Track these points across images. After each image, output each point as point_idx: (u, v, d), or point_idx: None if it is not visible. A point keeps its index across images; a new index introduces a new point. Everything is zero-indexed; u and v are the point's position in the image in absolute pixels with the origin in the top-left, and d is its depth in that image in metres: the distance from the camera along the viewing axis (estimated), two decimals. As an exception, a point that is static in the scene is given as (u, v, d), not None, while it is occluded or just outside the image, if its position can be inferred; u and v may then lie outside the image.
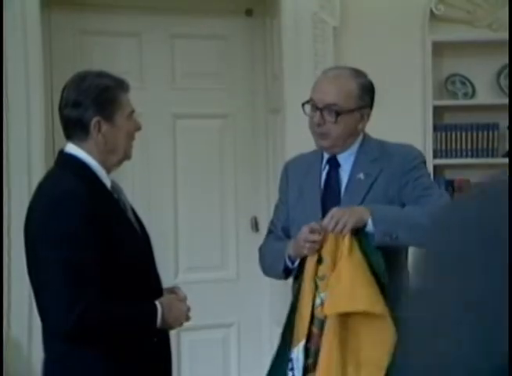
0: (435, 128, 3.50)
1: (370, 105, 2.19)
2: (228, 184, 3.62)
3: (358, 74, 2.20)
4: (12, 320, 2.86)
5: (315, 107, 2.12)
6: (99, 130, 1.84)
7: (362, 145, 2.19)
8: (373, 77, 3.33)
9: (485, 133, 3.52)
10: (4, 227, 2.80)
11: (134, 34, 3.36)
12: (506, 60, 3.53)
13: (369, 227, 1.95)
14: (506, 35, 3.41)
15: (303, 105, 2.17)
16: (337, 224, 1.93)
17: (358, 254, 1.92)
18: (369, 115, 2.19)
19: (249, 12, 3.62)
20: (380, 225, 1.95)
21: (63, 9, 3.17)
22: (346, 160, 2.18)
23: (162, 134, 3.42)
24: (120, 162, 1.94)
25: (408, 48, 3.46)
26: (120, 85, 1.91)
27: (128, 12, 3.33)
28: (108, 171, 1.91)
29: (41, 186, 1.88)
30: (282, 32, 3.33)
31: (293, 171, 2.30)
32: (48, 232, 1.74)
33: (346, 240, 1.92)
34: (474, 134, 3.53)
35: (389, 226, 1.96)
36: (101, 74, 1.90)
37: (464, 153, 3.52)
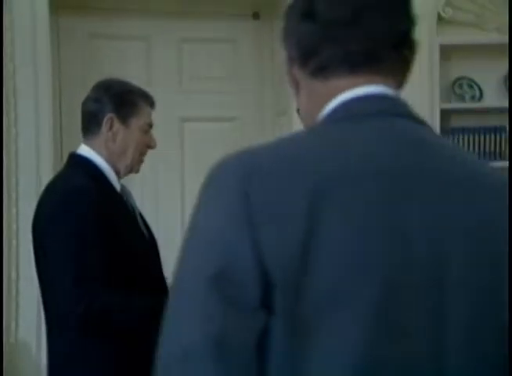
0: (442, 131, 3.50)
1: None
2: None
3: None
4: (21, 321, 2.88)
5: None
6: (111, 127, 1.88)
7: None
8: (379, 80, 3.33)
9: (493, 136, 3.55)
10: (12, 229, 2.82)
11: (142, 38, 3.42)
12: (514, 63, 3.56)
13: None
14: (513, 38, 3.43)
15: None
16: None
17: None
18: None
19: (256, 16, 3.68)
20: None
21: (71, 13, 3.23)
22: None
23: (170, 137, 3.45)
24: (126, 171, 1.96)
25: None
26: (144, 96, 1.97)
27: (137, 15, 3.38)
28: (117, 175, 1.93)
29: (51, 183, 1.90)
30: (289, 35, 3.36)
31: None
32: (56, 227, 1.76)
33: None
34: (482, 137, 3.56)
35: None
36: (128, 83, 1.98)
37: (472, 156, 3.53)
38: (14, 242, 2.83)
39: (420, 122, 0.92)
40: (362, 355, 0.77)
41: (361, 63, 0.88)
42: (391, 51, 0.89)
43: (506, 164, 3.49)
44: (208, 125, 3.62)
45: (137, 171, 2.01)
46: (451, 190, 0.83)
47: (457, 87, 3.64)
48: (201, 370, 0.74)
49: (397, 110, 0.90)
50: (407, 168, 0.83)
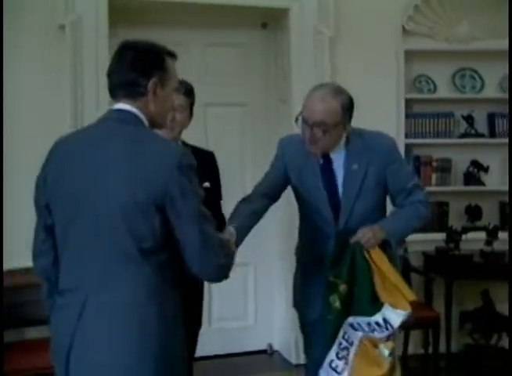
0: (407, 116, 4.13)
1: (350, 118, 2.29)
2: (247, 158, 4.19)
3: (339, 92, 2.24)
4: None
5: (305, 122, 2.23)
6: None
7: (347, 142, 2.32)
8: (358, 76, 3.86)
9: (444, 120, 4.19)
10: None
11: (177, 44, 3.69)
12: (460, 65, 4.20)
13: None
14: (459, 46, 4.07)
15: (296, 118, 2.27)
16: (368, 240, 2.23)
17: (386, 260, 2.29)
18: (350, 124, 2.29)
19: (264, 26, 4.17)
20: (393, 239, 2.32)
21: (126, 26, 3.75)
22: (337, 156, 2.33)
23: (195, 119, 3.60)
24: None
25: (386, 55, 4.03)
26: None
27: (174, 26, 3.94)
28: None
29: None
30: (290, 41, 3.93)
31: (289, 148, 2.42)
32: None
33: (378, 251, 2.27)
34: (436, 120, 4.18)
35: (398, 238, 2.40)
36: None
37: (428, 135, 4.20)
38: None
39: (132, 124, 1.66)
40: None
41: (113, 95, 1.69)
42: (124, 90, 1.66)
43: (453, 141, 4.15)
44: (225, 109, 4.13)
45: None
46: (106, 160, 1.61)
47: (417, 82, 4.23)
48: None
49: (117, 117, 1.66)
50: (99, 146, 1.63)
